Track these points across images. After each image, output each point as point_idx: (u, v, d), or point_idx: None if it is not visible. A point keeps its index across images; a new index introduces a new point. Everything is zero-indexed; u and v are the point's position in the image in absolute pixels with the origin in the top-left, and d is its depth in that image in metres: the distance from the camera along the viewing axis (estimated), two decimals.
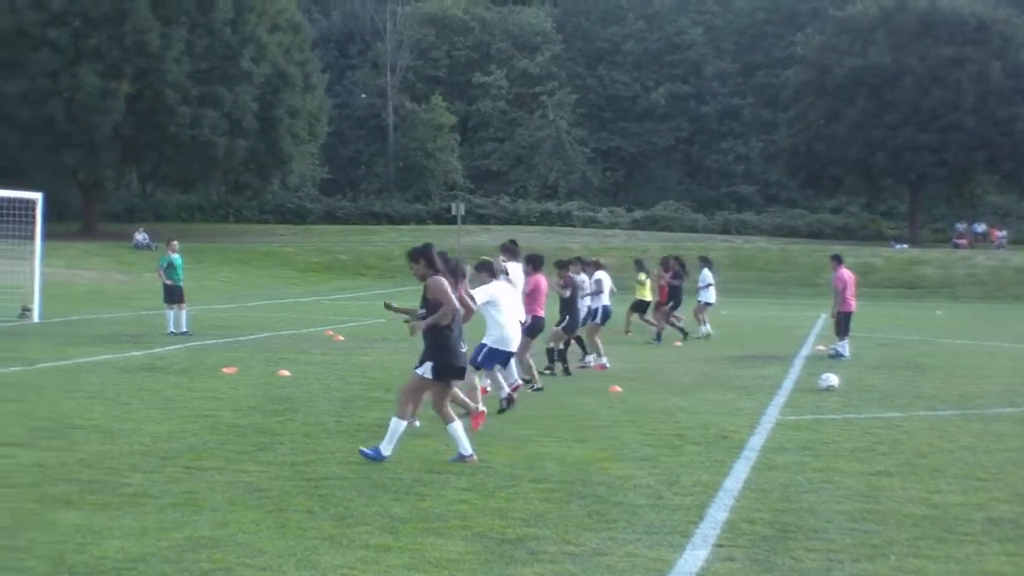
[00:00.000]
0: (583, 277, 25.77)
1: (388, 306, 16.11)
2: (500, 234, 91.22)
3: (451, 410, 14.41)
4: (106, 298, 47.86)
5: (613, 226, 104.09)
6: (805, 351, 30.66)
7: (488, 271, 18.48)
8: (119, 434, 15.63)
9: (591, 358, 26.23)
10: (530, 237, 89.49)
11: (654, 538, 10.66)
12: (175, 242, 35.48)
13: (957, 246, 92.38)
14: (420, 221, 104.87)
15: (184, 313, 33.55)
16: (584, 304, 25.42)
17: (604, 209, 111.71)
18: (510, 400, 18.35)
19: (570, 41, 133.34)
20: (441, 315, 13.93)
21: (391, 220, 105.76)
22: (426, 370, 14.14)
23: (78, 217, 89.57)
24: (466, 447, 14.16)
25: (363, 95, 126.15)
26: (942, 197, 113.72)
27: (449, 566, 9.54)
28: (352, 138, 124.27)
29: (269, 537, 10.34)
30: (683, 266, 36.81)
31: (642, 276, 35.54)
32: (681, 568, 9.71)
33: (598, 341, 26.42)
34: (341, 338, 31.49)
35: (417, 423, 15.85)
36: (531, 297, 21.76)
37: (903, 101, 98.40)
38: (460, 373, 14.57)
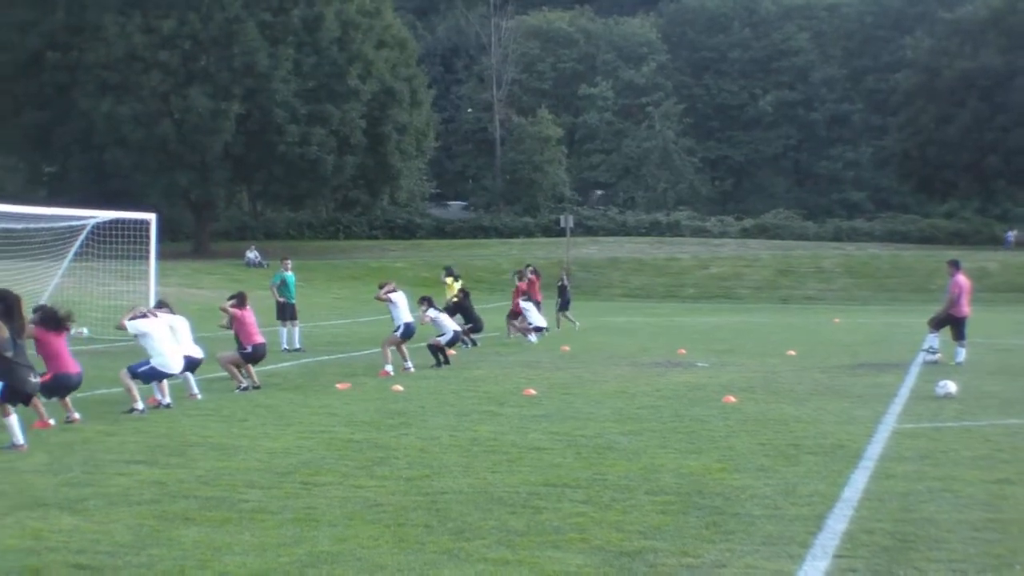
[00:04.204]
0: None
1: None
2: (608, 245, 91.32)
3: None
4: (219, 316, 48.25)
5: (722, 235, 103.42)
6: (921, 358, 30.23)
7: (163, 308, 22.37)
8: (236, 451, 15.76)
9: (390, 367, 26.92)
10: (639, 248, 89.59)
11: (773, 549, 10.57)
12: (288, 260, 35.81)
13: None
14: (529, 234, 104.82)
15: (297, 330, 33.82)
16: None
17: (713, 218, 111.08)
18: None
19: (676, 51, 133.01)
20: None
21: (500, 234, 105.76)
22: None
23: (190, 236, 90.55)
24: (19, 436, 15.89)
25: (469, 109, 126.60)
26: None
27: None
28: (459, 152, 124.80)
29: (388, 552, 10.37)
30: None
31: (449, 280, 38.47)
32: None
33: (388, 351, 27.49)
34: (453, 352, 31.49)
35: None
36: (240, 327, 24.12)
37: (1015, 103, 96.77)
38: (27, 399, 16.85)
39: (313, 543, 10.65)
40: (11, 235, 37.18)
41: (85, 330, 37.43)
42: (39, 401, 17.76)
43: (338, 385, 23.81)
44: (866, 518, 11.84)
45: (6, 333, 15.89)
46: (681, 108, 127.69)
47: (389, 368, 26.66)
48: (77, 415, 18.37)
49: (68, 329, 18.82)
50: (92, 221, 38.66)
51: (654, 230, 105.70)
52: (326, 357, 31.14)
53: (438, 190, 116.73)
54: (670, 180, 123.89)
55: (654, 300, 71.61)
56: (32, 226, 37.90)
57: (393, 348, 27.56)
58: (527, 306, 38.47)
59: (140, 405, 19.75)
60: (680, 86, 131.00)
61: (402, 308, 27.90)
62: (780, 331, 43.31)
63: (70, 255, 38.77)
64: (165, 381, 20.82)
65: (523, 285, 39.32)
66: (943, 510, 12.18)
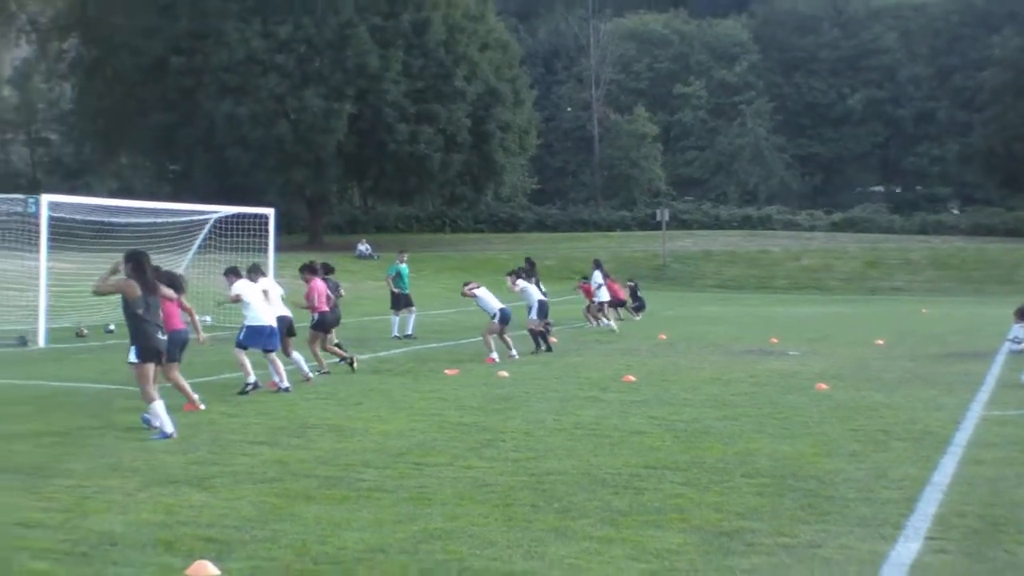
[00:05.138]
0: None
1: None
2: (703, 238, 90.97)
3: (152, 391, 15.77)
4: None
5: (812, 229, 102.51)
6: (1006, 347, 29.85)
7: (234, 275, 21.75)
8: (352, 433, 15.89)
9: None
10: (732, 241, 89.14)
11: (866, 530, 10.51)
12: (405, 253, 35.97)
13: None
14: (626, 228, 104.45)
15: (412, 317, 33.90)
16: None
17: (803, 212, 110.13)
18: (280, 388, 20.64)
19: (767, 51, 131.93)
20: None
21: (598, 227, 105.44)
22: (131, 355, 15.87)
23: (305, 230, 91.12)
24: (168, 426, 15.57)
25: (569, 108, 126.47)
26: None
27: (670, 557, 9.51)
28: (559, 149, 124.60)
29: (497, 529, 10.42)
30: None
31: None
32: (895, 560, 9.55)
33: (489, 339, 27.54)
34: (555, 340, 31.51)
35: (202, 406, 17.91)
36: (309, 297, 24.27)
37: None
38: (158, 355, 16.13)
39: (427, 520, 10.72)
40: (139, 230, 37.69)
41: (208, 318, 37.92)
42: (185, 384, 17.89)
43: (447, 371, 23.92)
44: (956, 501, 11.74)
45: (139, 291, 15.86)
46: (772, 106, 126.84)
47: (494, 355, 26.74)
48: (203, 406, 18.46)
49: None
50: (215, 216, 39.19)
51: (746, 224, 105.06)
52: (435, 344, 31.27)
53: (539, 186, 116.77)
54: (761, 175, 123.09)
55: (746, 291, 71.22)
56: (159, 221, 38.40)
57: (495, 336, 27.55)
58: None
59: (252, 378, 20.27)
60: (771, 85, 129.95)
61: (489, 299, 27.95)
62: (869, 321, 42.95)
63: (194, 248, 39.24)
64: (282, 366, 21.00)
65: (588, 286, 39.86)
66: None
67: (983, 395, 20.58)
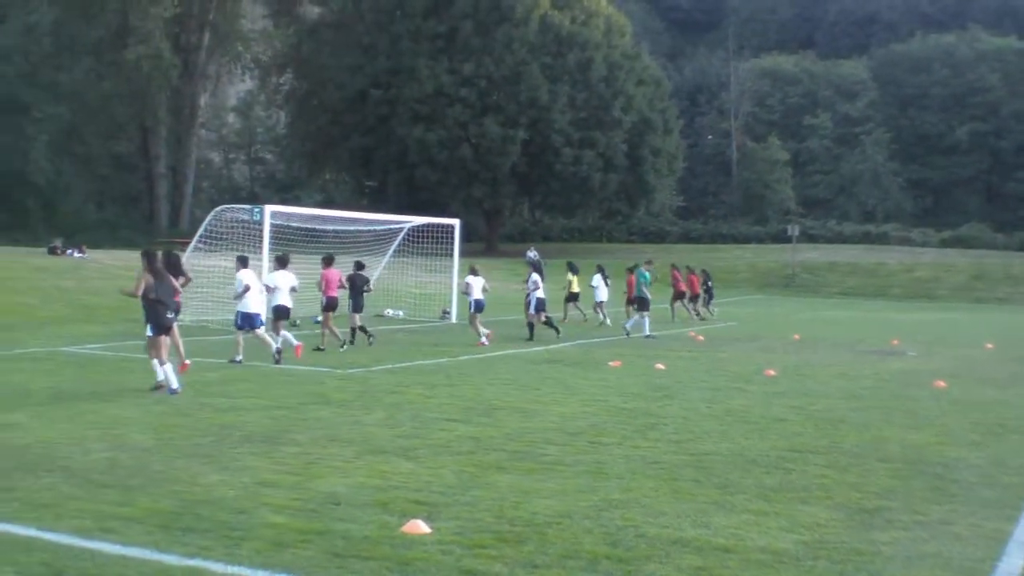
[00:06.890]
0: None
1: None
2: (827, 251, 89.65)
3: (165, 355, 17.28)
4: (506, 303, 48.45)
5: (924, 244, 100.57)
6: None
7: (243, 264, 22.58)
8: (533, 414, 15.92)
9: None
10: (854, 254, 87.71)
11: (990, 511, 10.30)
12: (651, 264, 35.24)
13: None
14: (760, 241, 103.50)
15: (647, 320, 32.52)
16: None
17: (916, 230, 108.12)
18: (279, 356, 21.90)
19: (884, 88, 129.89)
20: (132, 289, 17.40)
21: (735, 240, 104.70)
22: (147, 330, 17.28)
23: (482, 238, 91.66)
24: (174, 381, 17.08)
25: (711, 136, 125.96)
26: None
27: (819, 529, 9.41)
28: (702, 172, 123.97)
29: (667, 501, 10.37)
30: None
31: (570, 275, 38.64)
32: (1019, 537, 9.37)
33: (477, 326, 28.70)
34: (702, 338, 31.27)
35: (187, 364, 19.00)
36: (325, 283, 25.85)
37: None
38: (166, 330, 17.50)
39: (605, 492, 10.72)
40: (341, 235, 38.23)
41: (401, 312, 38.34)
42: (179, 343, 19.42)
43: (611, 363, 23.83)
44: None
45: (152, 280, 17.11)
46: (889, 136, 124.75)
47: (484, 340, 27.95)
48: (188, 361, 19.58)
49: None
50: (408, 225, 39.56)
51: (866, 239, 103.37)
52: (598, 339, 31.15)
53: (684, 203, 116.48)
54: (879, 197, 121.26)
55: (865, 298, 70.08)
56: (360, 229, 38.90)
57: (478, 322, 28.82)
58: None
59: (239, 357, 21.60)
60: (888, 118, 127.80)
61: (475, 289, 29.29)
62: (977, 327, 41.98)
63: (389, 252, 39.68)
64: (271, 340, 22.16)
65: (695, 277, 42.24)
66: None
67: None
